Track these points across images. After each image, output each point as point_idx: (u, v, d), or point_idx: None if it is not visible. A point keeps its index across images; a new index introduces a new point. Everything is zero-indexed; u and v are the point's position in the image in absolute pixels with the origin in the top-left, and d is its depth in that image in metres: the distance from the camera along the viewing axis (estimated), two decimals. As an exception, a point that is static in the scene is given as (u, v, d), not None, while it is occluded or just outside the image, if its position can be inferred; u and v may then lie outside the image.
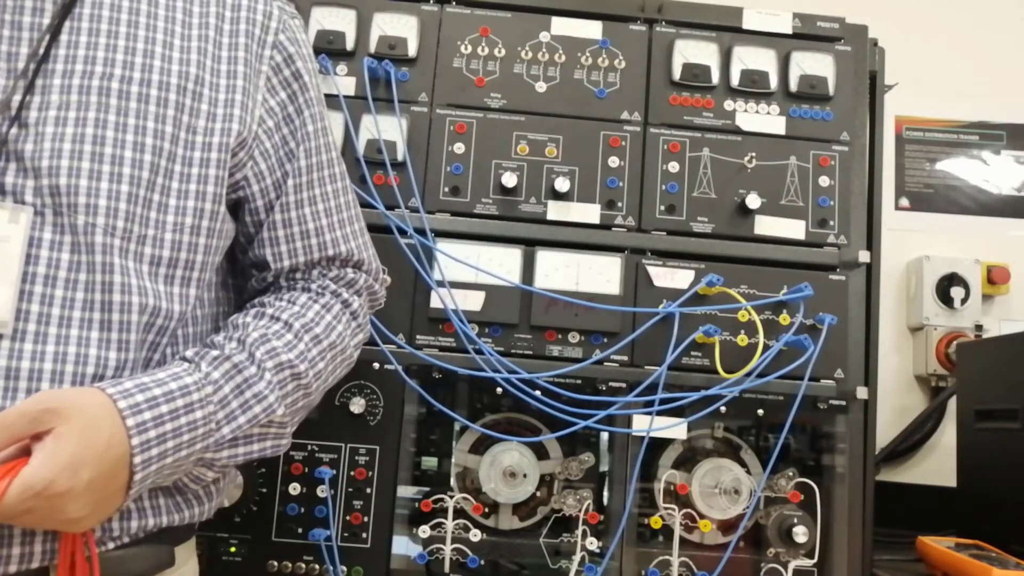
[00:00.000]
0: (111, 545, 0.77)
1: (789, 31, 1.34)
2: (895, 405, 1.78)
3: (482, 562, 1.21)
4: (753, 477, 1.24)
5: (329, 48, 1.28)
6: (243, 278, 0.97)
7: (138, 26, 0.81)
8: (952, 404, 1.66)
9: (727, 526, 1.25)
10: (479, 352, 1.21)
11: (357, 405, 1.19)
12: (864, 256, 1.29)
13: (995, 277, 1.77)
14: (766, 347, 1.23)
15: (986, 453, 1.39)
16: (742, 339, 1.24)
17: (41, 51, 0.76)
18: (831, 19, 1.35)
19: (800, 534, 1.19)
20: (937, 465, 1.74)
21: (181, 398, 0.74)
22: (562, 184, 1.25)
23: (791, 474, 1.23)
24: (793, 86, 1.31)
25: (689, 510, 1.23)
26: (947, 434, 1.74)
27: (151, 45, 0.81)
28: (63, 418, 0.66)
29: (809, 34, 1.34)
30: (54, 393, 0.70)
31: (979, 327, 1.75)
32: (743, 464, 1.25)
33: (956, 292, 1.75)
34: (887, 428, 1.72)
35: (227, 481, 0.91)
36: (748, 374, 1.20)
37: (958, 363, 1.57)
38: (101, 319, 0.75)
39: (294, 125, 0.90)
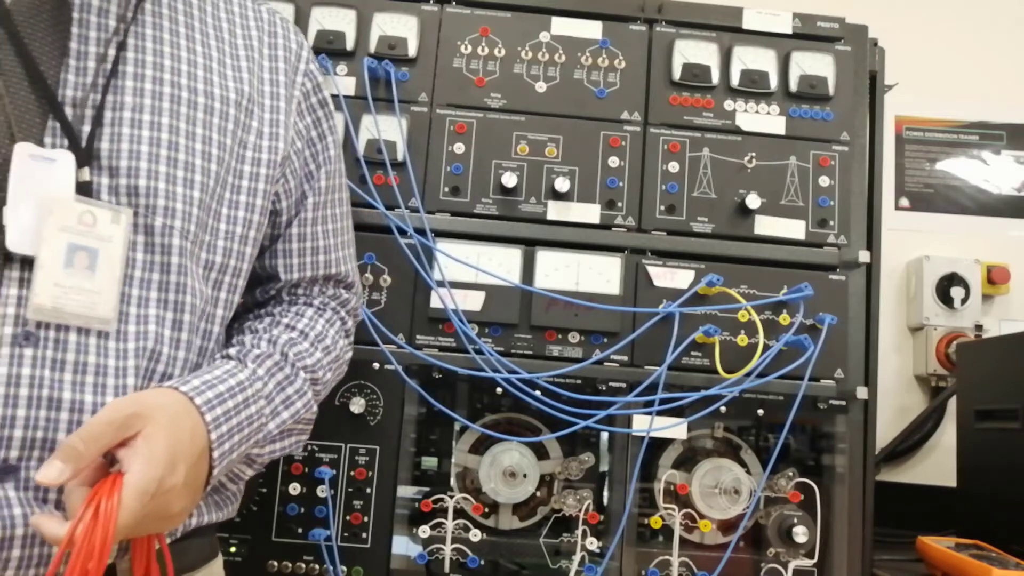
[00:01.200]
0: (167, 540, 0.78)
1: (789, 31, 1.34)
2: (895, 405, 1.78)
3: (482, 562, 1.20)
4: (753, 477, 1.24)
5: (329, 48, 1.28)
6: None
7: (195, 42, 0.83)
8: (952, 404, 1.66)
9: (727, 526, 1.25)
10: (479, 352, 1.21)
11: (357, 405, 1.19)
12: (864, 256, 1.28)
13: (995, 277, 1.77)
14: (766, 347, 1.23)
15: (986, 453, 1.39)
16: (742, 339, 1.24)
17: (112, 52, 0.77)
18: (831, 19, 1.35)
19: (800, 534, 1.19)
20: (937, 465, 1.74)
21: (240, 393, 0.77)
22: (562, 184, 1.25)
23: (791, 474, 1.23)
24: (793, 86, 1.31)
25: (689, 510, 1.23)
26: (947, 434, 1.74)
27: (209, 62, 0.84)
28: (147, 419, 0.67)
29: (809, 34, 1.34)
30: (132, 397, 0.70)
31: (979, 327, 1.75)
32: (743, 464, 1.25)
33: (956, 292, 1.75)
34: (887, 428, 1.72)
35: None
36: (748, 374, 1.20)
37: (958, 363, 1.57)
38: (172, 319, 0.77)
39: (316, 148, 0.95)
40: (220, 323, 0.85)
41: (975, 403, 1.43)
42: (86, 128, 0.74)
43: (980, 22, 1.90)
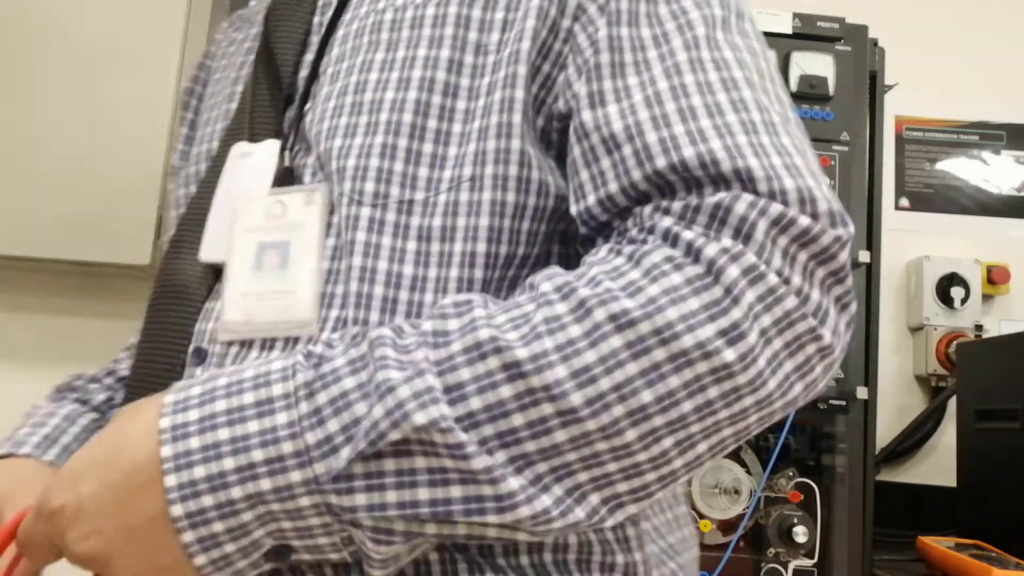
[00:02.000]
0: None
1: (789, 31, 1.34)
2: (895, 405, 1.78)
3: (482, 562, 1.20)
4: (753, 477, 1.24)
5: (329, 48, 1.27)
6: None
7: None
8: (952, 404, 1.67)
9: (727, 526, 1.25)
10: (479, 352, 1.21)
11: (357, 405, 1.19)
12: (864, 256, 1.28)
13: (995, 277, 1.77)
14: (766, 347, 1.23)
15: (986, 453, 1.39)
16: (742, 339, 1.24)
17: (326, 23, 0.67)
18: (831, 19, 1.35)
19: (800, 534, 1.19)
20: (937, 465, 1.74)
21: (252, 391, 0.48)
22: (562, 184, 1.25)
23: (791, 474, 1.23)
24: (793, 86, 1.31)
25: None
26: (947, 434, 1.73)
27: None
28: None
29: (809, 34, 1.34)
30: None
31: (979, 327, 1.75)
32: (743, 464, 1.25)
33: (956, 292, 1.75)
34: (887, 428, 1.72)
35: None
36: (748, 374, 1.20)
37: (958, 363, 1.57)
38: (360, 319, 0.56)
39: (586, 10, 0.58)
40: None
41: (975, 403, 1.43)
42: (290, 112, 0.64)
43: (980, 22, 1.90)
